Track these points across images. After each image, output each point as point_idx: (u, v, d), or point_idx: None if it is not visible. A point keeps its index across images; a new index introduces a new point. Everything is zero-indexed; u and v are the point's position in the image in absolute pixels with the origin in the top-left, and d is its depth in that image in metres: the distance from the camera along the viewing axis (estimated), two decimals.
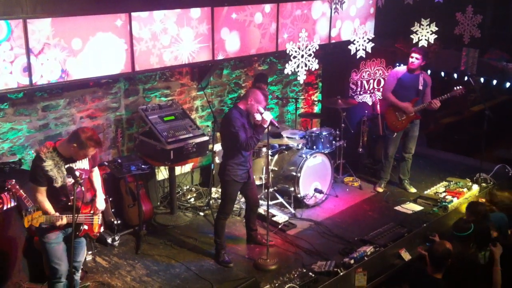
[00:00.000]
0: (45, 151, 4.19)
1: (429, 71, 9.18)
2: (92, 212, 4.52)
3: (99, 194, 4.62)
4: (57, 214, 4.26)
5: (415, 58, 6.89)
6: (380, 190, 7.40)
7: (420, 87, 7.01)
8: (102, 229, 4.69)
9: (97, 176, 4.68)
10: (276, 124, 5.40)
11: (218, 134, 6.82)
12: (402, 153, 7.40)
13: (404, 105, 7.04)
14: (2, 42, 4.67)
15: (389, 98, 7.16)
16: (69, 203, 4.31)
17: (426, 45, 6.81)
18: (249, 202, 5.84)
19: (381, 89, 8.48)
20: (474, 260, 5.16)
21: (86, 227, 4.46)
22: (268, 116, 5.23)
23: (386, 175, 7.46)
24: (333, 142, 7.42)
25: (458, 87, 6.94)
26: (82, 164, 4.39)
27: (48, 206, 4.26)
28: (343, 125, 7.50)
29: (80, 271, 5.10)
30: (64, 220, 4.26)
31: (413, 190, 7.37)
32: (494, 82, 9.12)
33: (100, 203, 4.59)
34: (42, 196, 4.25)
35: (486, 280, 5.00)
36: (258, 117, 5.29)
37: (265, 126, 5.26)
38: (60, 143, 4.30)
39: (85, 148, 4.20)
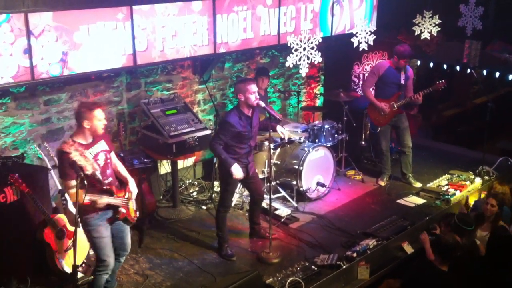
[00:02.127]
0: (67, 145, 4.22)
1: (431, 64, 9.17)
2: (126, 196, 4.54)
3: (129, 178, 4.67)
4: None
5: (404, 62, 6.86)
6: (383, 183, 7.39)
7: (402, 82, 6.98)
8: (138, 215, 4.72)
9: (118, 161, 4.72)
10: (278, 117, 5.40)
11: None
12: (400, 148, 7.39)
13: (380, 105, 7.03)
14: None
15: (367, 95, 7.15)
16: (104, 187, 4.37)
17: (428, 37, 6.78)
18: (252, 196, 5.85)
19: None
20: (475, 252, 5.17)
21: (124, 210, 4.48)
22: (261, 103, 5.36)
23: (387, 168, 7.44)
24: (335, 135, 7.41)
25: (440, 81, 6.91)
26: (101, 145, 4.45)
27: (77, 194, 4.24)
28: (345, 118, 7.48)
29: (84, 264, 5.14)
30: (104, 199, 4.28)
31: (418, 184, 7.32)
32: (497, 74, 9.08)
33: (133, 186, 4.64)
34: (69, 188, 4.26)
35: (487, 271, 5.02)
36: (280, 130, 5.64)
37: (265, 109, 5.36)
38: (74, 134, 4.37)
39: (85, 116, 4.25)
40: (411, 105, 7.17)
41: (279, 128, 5.75)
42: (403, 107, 7.10)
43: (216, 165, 6.78)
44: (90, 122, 4.29)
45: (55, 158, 4.49)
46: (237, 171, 5.32)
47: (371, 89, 7.14)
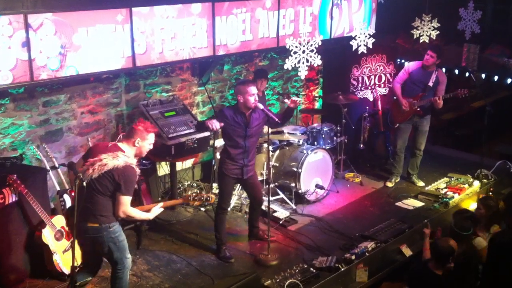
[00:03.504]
0: (126, 157, 4.20)
1: None
2: None
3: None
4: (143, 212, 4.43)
5: (429, 56, 6.86)
6: (390, 185, 7.39)
7: (430, 84, 6.99)
8: None
9: None
10: (276, 119, 5.41)
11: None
12: (412, 148, 7.42)
13: (402, 101, 7.10)
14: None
15: (394, 89, 7.27)
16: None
17: (427, 41, 6.80)
18: (250, 200, 5.87)
19: (382, 85, 8.52)
20: (474, 256, 5.16)
21: None
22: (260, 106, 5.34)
23: (397, 170, 7.45)
24: (334, 138, 7.42)
25: (462, 89, 6.92)
26: None
27: (134, 209, 4.32)
28: (344, 121, 7.49)
29: (82, 266, 5.12)
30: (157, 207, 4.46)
31: (421, 183, 7.40)
32: (495, 77, 9.10)
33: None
34: (129, 204, 4.27)
35: (488, 275, 5.01)
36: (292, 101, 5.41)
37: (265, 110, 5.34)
38: (120, 141, 4.38)
39: (140, 135, 4.29)
40: (431, 108, 7.15)
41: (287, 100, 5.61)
42: (424, 109, 7.11)
43: (215, 167, 6.79)
44: (142, 142, 4.31)
45: (117, 175, 4.15)
46: (214, 122, 5.25)
47: (400, 85, 7.23)
